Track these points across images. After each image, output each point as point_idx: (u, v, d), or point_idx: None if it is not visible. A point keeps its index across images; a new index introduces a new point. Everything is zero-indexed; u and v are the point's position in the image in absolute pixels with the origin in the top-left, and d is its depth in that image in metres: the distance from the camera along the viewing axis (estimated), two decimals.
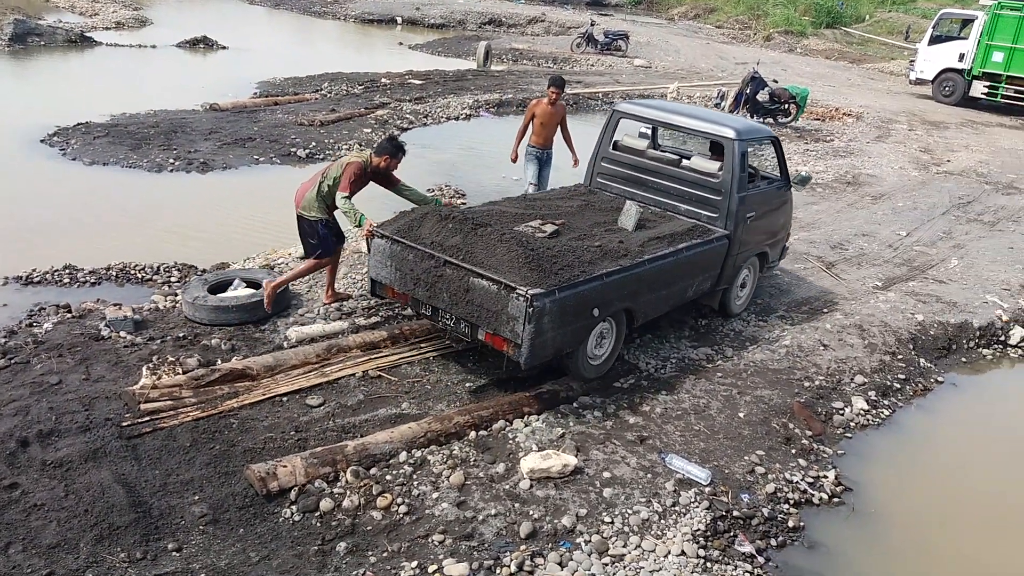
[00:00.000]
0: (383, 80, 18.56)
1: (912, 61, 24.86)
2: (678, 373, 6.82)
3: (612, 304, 6.23)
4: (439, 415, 5.77)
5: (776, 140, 8.07)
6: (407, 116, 15.69)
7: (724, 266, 7.39)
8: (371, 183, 7.01)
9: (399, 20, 31.48)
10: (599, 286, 5.98)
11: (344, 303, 7.38)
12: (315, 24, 30.19)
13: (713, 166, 7.46)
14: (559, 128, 9.66)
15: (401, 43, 27.22)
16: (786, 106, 17.89)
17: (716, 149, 7.74)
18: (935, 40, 23.40)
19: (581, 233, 6.77)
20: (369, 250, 6.51)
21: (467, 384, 6.36)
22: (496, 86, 19.43)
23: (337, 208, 6.84)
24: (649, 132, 8.62)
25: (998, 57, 21.92)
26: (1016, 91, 21.98)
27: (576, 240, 6.54)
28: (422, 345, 6.81)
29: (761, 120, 17.23)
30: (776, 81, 19.18)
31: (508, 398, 6.11)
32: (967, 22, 23.16)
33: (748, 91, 17.43)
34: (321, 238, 6.95)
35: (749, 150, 7.67)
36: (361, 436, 5.45)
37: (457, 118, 16.44)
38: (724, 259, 7.35)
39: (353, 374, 6.24)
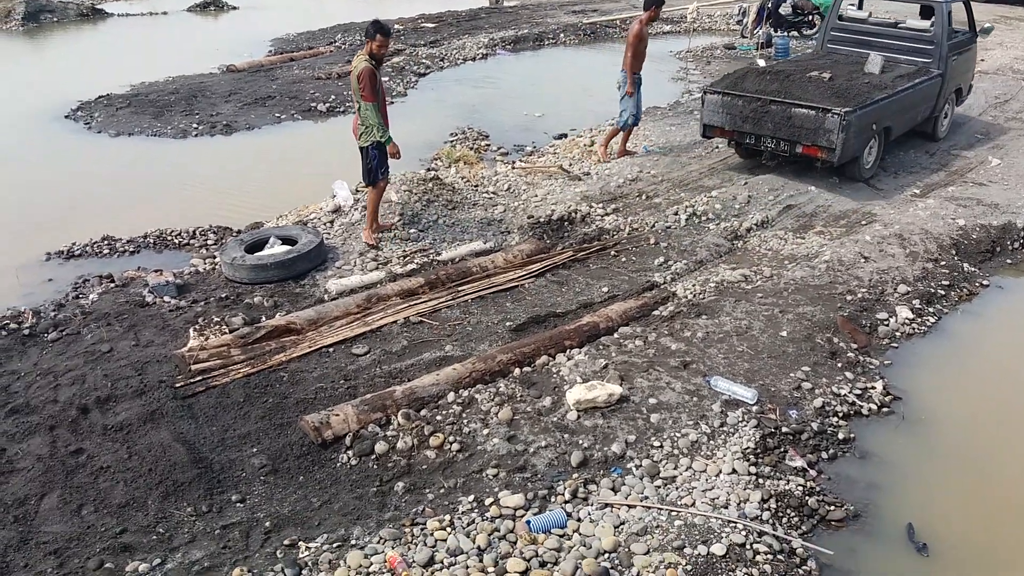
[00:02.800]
0: (396, 26, 18.32)
1: None
2: (718, 297, 6.78)
3: (882, 122, 9.01)
4: (482, 355, 5.82)
5: (967, 0, 10.63)
6: (423, 61, 15.52)
7: (938, 97, 10.11)
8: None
9: None
10: (877, 108, 8.73)
11: (380, 252, 7.43)
12: None
13: (925, 24, 10.22)
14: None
15: None
16: (810, 17, 17.36)
17: (926, 12, 10.43)
18: None
19: (847, 78, 9.32)
20: (702, 104, 9.29)
21: (507, 323, 6.39)
22: (511, 22, 19.10)
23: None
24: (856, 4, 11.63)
25: None
26: None
27: (848, 81, 9.18)
28: (460, 289, 6.85)
29: (785, 33, 16.75)
30: None
31: (549, 334, 6.14)
32: None
33: (770, 5, 16.92)
34: (373, 163, 7.30)
35: (951, 10, 10.07)
36: (408, 380, 5.54)
37: (474, 59, 16.23)
38: (939, 92, 10.03)
39: (395, 321, 6.32)
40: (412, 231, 7.87)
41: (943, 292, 7.12)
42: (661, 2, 9.38)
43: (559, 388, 5.52)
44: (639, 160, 9.88)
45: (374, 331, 6.19)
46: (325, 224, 8.06)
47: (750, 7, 17.94)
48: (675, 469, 4.85)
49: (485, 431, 5.08)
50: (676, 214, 8.33)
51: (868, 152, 9.09)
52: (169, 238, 8.14)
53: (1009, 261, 7.92)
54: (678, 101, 12.60)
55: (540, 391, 5.50)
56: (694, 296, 6.83)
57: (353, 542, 4.28)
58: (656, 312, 6.62)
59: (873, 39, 10.48)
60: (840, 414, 5.43)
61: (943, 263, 7.51)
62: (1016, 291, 7.51)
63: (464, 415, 5.21)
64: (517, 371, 5.70)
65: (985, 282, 7.44)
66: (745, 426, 5.18)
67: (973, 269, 7.59)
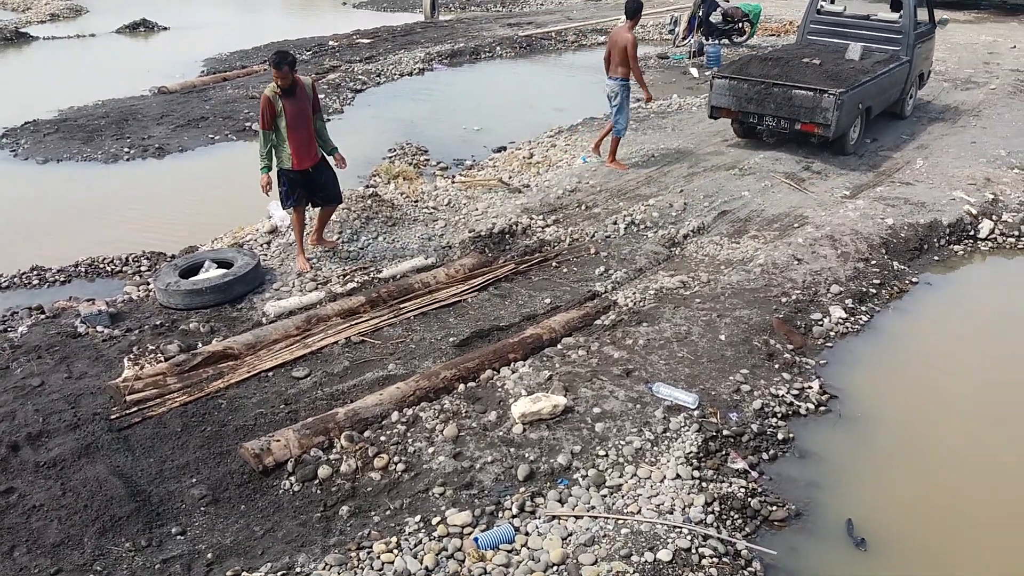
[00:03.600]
0: (331, 43, 18.22)
1: None
2: (657, 304, 6.87)
3: (866, 102, 10.26)
4: (426, 372, 5.80)
5: None
6: (359, 77, 15.45)
7: (907, 81, 11.50)
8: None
9: None
10: (862, 90, 9.98)
11: (319, 271, 7.35)
12: None
13: (895, 16, 11.58)
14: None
15: (345, 3, 26.65)
16: (740, 25, 17.77)
17: (896, 5, 11.70)
18: None
19: (834, 64, 10.50)
20: (711, 88, 10.39)
21: (451, 339, 6.38)
22: (447, 37, 19.15)
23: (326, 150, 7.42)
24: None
25: None
26: None
27: (835, 66, 10.39)
28: (402, 306, 6.81)
29: (716, 41, 17.09)
30: (728, 0, 18.98)
31: (492, 348, 6.14)
32: None
33: (701, 13, 17.26)
34: (282, 189, 7.23)
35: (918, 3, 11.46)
36: (351, 402, 5.48)
37: (411, 73, 16.21)
38: (907, 76, 11.43)
39: (336, 342, 6.25)
40: (352, 249, 7.81)
41: (874, 291, 7.32)
42: (641, 7, 9.65)
43: (504, 402, 5.52)
44: (577, 171, 9.96)
45: (314, 353, 6.12)
46: (262, 245, 7.95)
47: (681, 16, 18.28)
48: (620, 477, 4.88)
49: (431, 449, 5.05)
50: (615, 223, 8.42)
51: (853, 129, 10.31)
52: (101, 266, 7.93)
53: (936, 258, 8.19)
54: None
55: (485, 406, 5.49)
56: (635, 304, 6.91)
57: (298, 570, 4.21)
58: (598, 321, 6.68)
59: (848, 30, 11.72)
60: (779, 415, 5.54)
61: (874, 262, 7.72)
62: (944, 287, 7.76)
63: (409, 434, 5.18)
64: (461, 387, 5.69)
65: (915, 279, 7.68)
66: (687, 431, 5.25)
67: (903, 267, 7.83)
